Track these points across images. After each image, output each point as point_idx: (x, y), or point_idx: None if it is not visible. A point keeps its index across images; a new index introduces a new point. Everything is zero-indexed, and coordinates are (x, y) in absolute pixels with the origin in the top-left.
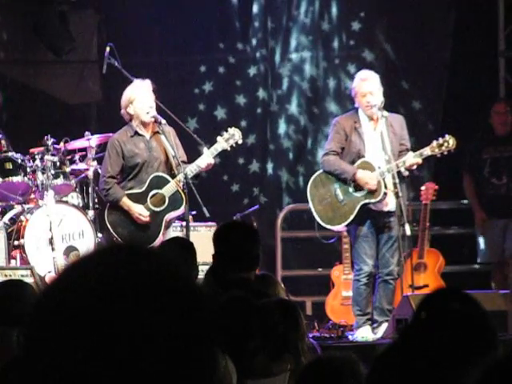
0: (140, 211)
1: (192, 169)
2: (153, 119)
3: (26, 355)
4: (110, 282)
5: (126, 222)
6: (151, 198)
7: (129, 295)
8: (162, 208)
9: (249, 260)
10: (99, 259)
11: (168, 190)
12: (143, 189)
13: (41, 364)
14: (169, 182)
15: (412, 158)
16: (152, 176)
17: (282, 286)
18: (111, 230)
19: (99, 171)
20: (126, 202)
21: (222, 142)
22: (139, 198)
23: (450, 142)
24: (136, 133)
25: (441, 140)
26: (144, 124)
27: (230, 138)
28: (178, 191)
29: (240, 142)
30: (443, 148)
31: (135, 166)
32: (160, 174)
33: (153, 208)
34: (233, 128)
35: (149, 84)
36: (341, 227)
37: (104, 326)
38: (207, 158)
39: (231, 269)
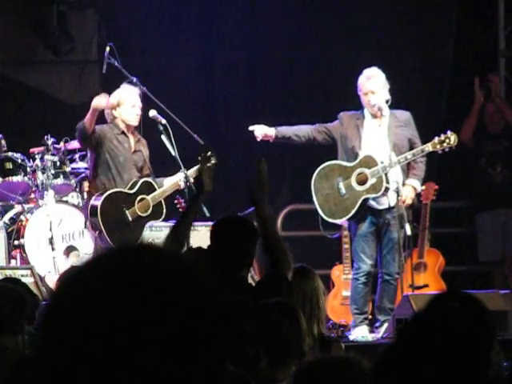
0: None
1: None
2: (136, 123)
3: (40, 356)
4: (118, 283)
5: (114, 220)
6: (138, 202)
7: (138, 296)
8: (145, 214)
9: (241, 258)
10: (107, 261)
11: (154, 199)
12: (133, 191)
13: (55, 365)
14: (155, 190)
15: (406, 190)
16: (143, 180)
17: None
18: (100, 225)
19: None
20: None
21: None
22: (129, 199)
23: (451, 138)
24: (122, 132)
25: (442, 136)
26: (128, 128)
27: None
28: (160, 202)
29: (214, 167)
30: (444, 144)
31: (116, 164)
32: (150, 180)
33: (138, 213)
34: (210, 152)
35: (136, 89)
36: (342, 221)
37: (117, 326)
38: (175, 181)
39: (224, 266)
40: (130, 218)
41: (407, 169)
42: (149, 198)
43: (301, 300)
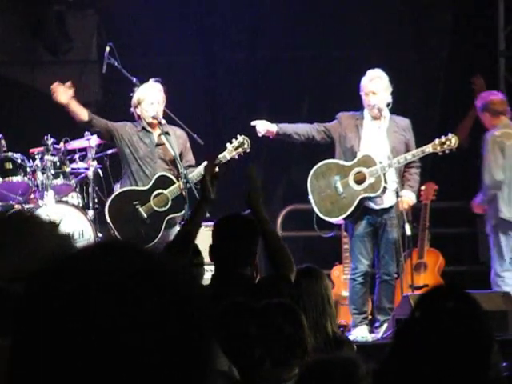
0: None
1: (195, 176)
2: (153, 120)
3: (15, 356)
4: (95, 279)
5: (126, 219)
6: (154, 197)
7: (115, 293)
8: (164, 209)
9: (243, 256)
10: (84, 258)
11: (172, 192)
12: (148, 187)
13: (30, 366)
14: (174, 183)
15: (406, 197)
16: (158, 175)
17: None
18: (111, 225)
19: (99, 171)
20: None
21: (232, 151)
22: (142, 196)
23: (452, 140)
24: (143, 128)
25: (443, 138)
26: (150, 125)
27: (240, 146)
28: (181, 194)
29: (248, 150)
30: (445, 146)
31: (137, 159)
32: (166, 174)
33: (155, 208)
34: (242, 136)
35: (158, 86)
36: (339, 220)
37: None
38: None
39: (225, 264)
40: (145, 215)
41: (402, 177)
42: (166, 192)
43: (312, 300)
